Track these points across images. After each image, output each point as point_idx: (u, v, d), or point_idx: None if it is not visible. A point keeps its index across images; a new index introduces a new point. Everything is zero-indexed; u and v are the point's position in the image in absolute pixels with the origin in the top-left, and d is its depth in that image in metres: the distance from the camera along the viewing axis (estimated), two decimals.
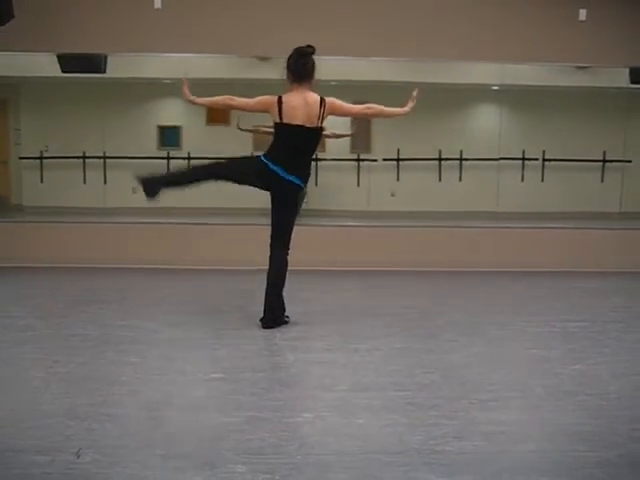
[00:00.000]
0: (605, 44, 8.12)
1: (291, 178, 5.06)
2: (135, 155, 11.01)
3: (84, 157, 10.99)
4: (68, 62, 8.29)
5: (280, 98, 5.05)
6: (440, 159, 11.20)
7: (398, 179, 11.17)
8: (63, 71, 8.41)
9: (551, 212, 10.47)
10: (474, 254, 8.10)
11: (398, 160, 11.09)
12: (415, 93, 5.43)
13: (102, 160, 10.87)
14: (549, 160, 11.21)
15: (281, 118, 5.02)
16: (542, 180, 11.30)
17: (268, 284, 5.23)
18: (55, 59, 8.30)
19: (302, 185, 5.15)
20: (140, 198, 11.08)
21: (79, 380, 3.90)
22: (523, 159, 11.24)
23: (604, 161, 11.33)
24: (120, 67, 9.14)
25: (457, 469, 2.87)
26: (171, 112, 11.54)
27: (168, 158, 11.27)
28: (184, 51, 8.19)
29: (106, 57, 8.43)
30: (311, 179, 10.08)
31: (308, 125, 5.02)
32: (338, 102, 5.14)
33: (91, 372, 4.05)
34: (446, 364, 4.34)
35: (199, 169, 5.40)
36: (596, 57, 8.29)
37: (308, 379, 4.05)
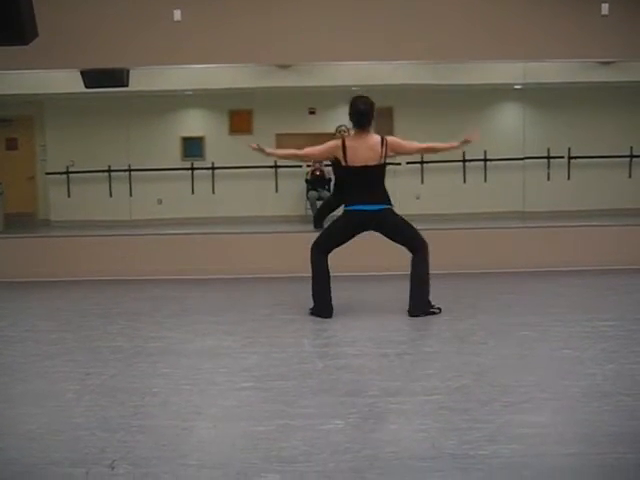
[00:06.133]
0: (628, 38, 7.99)
1: (377, 207, 5.57)
2: (159, 167, 11.11)
3: (109, 170, 11.11)
4: (91, 77, 8.36)
5: (344, 142, 5.61)
6: (464, 160, 11.14)
7: (422, 182, 11.13)
8: (86, 86, 8.48)
9: (579, 210, 10.35)
10: (501, 255, 8.01)
11: (422, 163, 11.05)
12: (471, 137, 5.86)
13: (127, 173, 10.98)
14: (575, 158, 11.10)
15: (346, 161, 5.56)
16: (568, 178, 11.19)
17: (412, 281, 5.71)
18: (78, 75, 8.38)
19: (389, 206, 5.64)
20: (165, 209, 11.17)
21: (111, 392, 3.91)
22: (548, 158, 11.14)
23: (631, 157, 11.19)
24: (142, 80, 9.21)
25: (492, 473, 2.82)
26: (194, 123, 11.64)
27: (192, 169, 11.35)
28: (205, 62, 8.23)
29: (128, 71, 8.49)
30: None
31: (371, 164, 5.52)
32: (398, 142, 5.69)
33: (122, 384, 4.07)
34: (477, 367, 4.29)
35: (317, 265, 5.72)
36: (619, 51, 8.16)
37: (338, 386, 4.02)
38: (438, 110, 10.84)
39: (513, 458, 2.95)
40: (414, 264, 5.71)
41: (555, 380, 4.03)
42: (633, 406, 3.55)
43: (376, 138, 5.58)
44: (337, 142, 5.68)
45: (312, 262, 5.72)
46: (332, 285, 5.74)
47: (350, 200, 5.65)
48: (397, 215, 5.69)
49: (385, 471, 2.86)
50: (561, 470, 2.87)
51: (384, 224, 5.65)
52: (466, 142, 5.86)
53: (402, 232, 5.70)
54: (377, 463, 2.93)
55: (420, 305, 5.66)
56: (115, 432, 3.28)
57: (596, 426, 3.29)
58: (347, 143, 5.58)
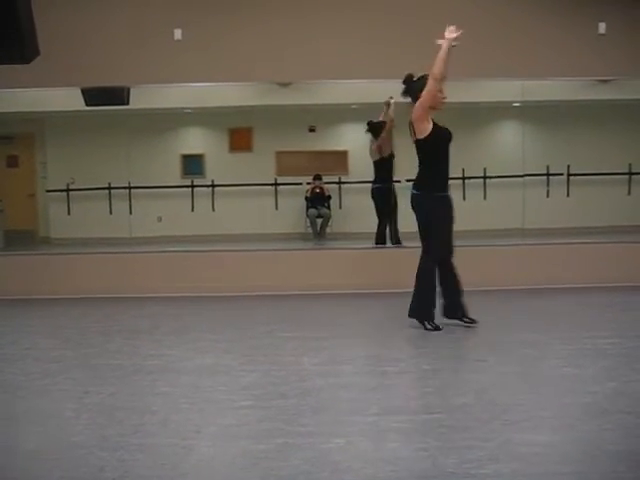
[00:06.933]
0: (626, 56, 8.05)
1: (412, 189, 5.63)
2: (160, 184, 11.14)
3: (109, 188, 11.13)
4: (92, 95, 8.42)
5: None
6: (464, 178, 11.16)
7: None
8: (87, 104, 8.53)
9: (578, 227, 10.36)
10: (499, 272, 8.00)
11: None
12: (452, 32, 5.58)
13: (127, 190, 11.01)
14: (574, 175, 11.13)
15: None
16: (567, 195, 11.21)
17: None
18: (79, 93, 8.43)
19: (415, 192, 5.57)
20: (165, 227, 11.14)
21: (110, 410, 3.90)
22: (548, 175, 11.17)
23: (630, 174, 11.22)
24: (143, 98, 9.27)
25: None
26: (194, 141, 11.68)
27: (192, 186, 11.38)
28: (205, 80, 8.29)
29: (129, 89, 8.54)
30: (334, 202, 10.10)
31: (413, 139, 5.57)
32: (416, 105, 5.48)
33: (121, 402, 4.05)
34: (477, 385, 4.28)
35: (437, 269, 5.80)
36: (617, 70, 8.22)
37: (338, 404, 4.01)
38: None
39: (514, 477, 2.94)
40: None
41: (556, 398, 4.01)
42: (634, 424, 3.54)
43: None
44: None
45: None
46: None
47: None
48: (424, 207, 5.58)
49: None
50: None
51: (414, 211, 5.63)
52: (451, 39, 5.56)
53: (422, 228, 5.68)
54: None
55: (413, 308, 5.71)
56: (114, 451, 3.26)
57: (596, 444, 3.28)
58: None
